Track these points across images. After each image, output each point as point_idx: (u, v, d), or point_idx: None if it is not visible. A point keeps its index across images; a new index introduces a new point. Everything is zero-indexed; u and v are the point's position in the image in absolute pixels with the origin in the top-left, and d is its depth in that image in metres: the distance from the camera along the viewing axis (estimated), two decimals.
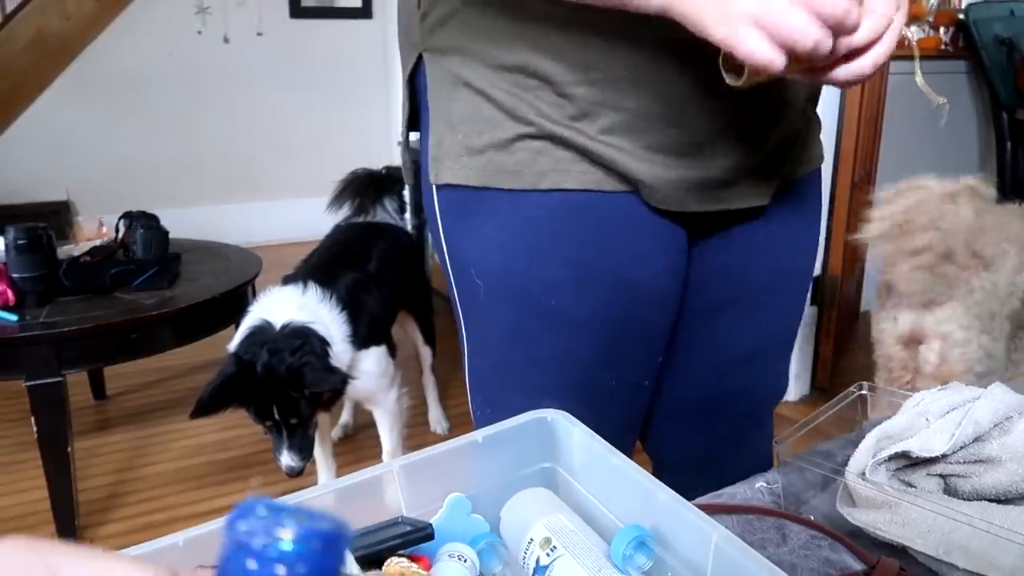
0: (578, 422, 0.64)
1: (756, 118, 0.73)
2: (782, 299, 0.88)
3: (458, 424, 2.30)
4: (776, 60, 0.52)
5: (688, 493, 0.55)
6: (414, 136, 0.82)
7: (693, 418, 0.91)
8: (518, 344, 0.76)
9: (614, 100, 0.67)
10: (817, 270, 2.45)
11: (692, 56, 0.65)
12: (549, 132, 0.68)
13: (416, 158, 0.82)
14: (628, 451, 0.86)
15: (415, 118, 0.80)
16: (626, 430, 0.85)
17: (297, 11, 4.13)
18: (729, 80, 0.59)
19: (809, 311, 2.47)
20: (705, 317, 0.84)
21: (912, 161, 3.03)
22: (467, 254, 0.76)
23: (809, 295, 2.47)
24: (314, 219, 2.54)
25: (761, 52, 0.52)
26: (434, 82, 0.73)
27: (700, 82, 0.67)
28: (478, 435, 0.63)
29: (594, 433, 0.62)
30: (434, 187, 0.75)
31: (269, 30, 4.06)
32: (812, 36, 0.52)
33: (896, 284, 1.37)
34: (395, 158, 4.07)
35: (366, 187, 2.15)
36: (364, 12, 4.28)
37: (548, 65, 0.67)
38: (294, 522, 0.25)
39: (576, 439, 0.63)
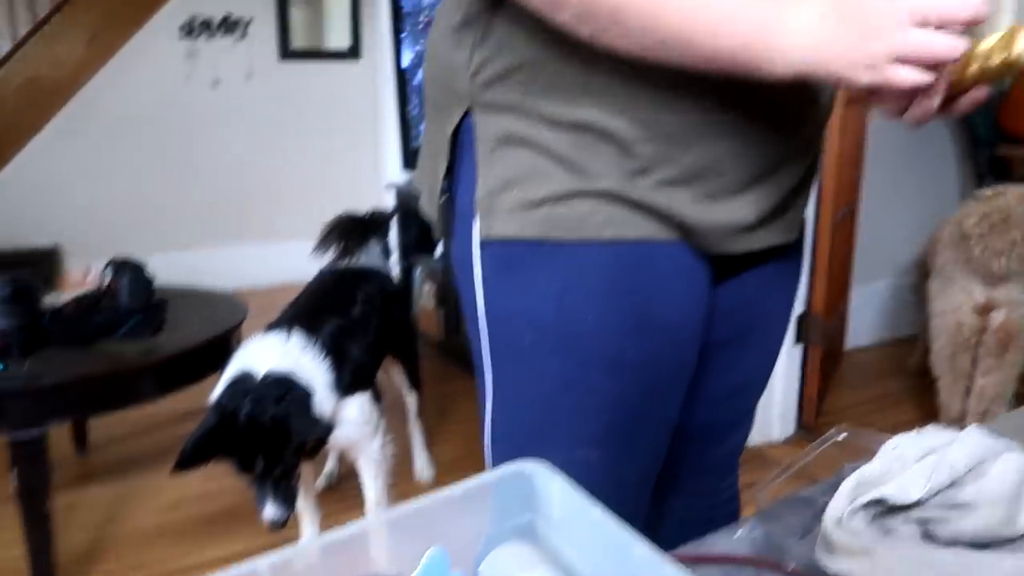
0: (558, 474, 0.63)
1: (794, 156, 0.77)
2: (775, 333, 0.94)
3: (444, 471, 2.28)
4: (930, 79, 0.57)
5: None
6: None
7: (682, 444, 0.94)
8: (568, 392, 0.77)
9: (673, 154, 0.70)
10: (801, 308, 2.46)
11: (744, 109, 0.69)
12: (610, 187, 0.70)
13: (442, 209, 0.82)
14: (652, 486, 0.89)
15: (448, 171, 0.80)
16: (655, 466, 0.87)
17: (286, 53, 4.19)
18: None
19: (794, 350, 2.48)
20: (713, 350, 0.87)
21: (894, 197, 3.09)
22: (514, 305, 0.76)
23: (794, 333, 2.49)
24: (305, 261, 2.55)
25: (915, 79, 0.57)
26: (485, 137, 0.73)
27: (750, 131, 0.71)
28: (459, 488, 0.63)
29: (575, 484, 0.62)
30: (477, 241, 0.76)
31: (258, 72, 4.11)
32: (956, 47, 0.56)
33: (990, 266, 2.02)
34: (384, 201, 4.10)
35: (351, 231, 2.16)
36: (353, 54, 4.35)
37: (612, 122, 0.69)
38: None
39: (556, 491, 0.63)
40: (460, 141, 0.76)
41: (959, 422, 2.21)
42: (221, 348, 1.91)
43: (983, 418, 2.18)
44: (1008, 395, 2.18)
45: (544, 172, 0.71)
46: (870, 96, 0.64)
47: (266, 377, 1.47)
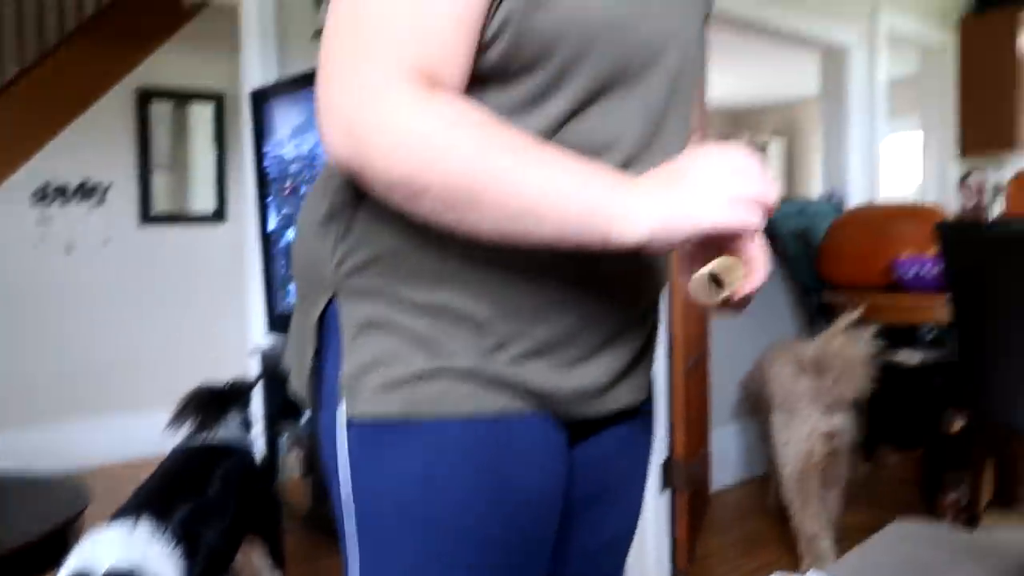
0: None
1: (637, 321, 0.84)
2: (636, 488, 0.98)
3: None
4: (758, 221, 0.66)
5: None
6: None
7: None
8: (432, 568, 0.77)
9: (526, 330, 0.75)
10: (664, 454, 2.54)
11: (588, 284, 0.77)
12: (468, 364, 0.74)
13: (309, 387, 0.84)
14: None
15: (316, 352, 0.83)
16: None
17: (147, 218, 4.12)
18: (712, 297, 0.70)
19: (662, 496, 2.53)
20: (578, 507, 0.90)
21: (740, 343, 3.32)
22: (378, 482, 0.77)
23: (660, 480, 2.55)
24: (165, 434, 2.42)
25: (752, 217, 0.66)
26: (349, 323, 0.77)
27: (596, 304, 0.78)
28: None
29: None
30: (343, 420, 0.78)
31: (116, 238, 4.01)
32: (773, 191, 0.67)
33: (845, 394, 2.45)
34: (249, 366, 3.99)
35: (208, 404, 2.07)
36: (217, 216, 4.33)
37: (469, 303, 0.74)
38: None
39: None
40: (326, 325, 0.81)
41: (816, 540, 2.46)
42: (57, 543, 1.74)
43: (833, 526, 2.56)
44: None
45: (405, 353, 0.75)
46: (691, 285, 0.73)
47: (107, 575, 1.36)
